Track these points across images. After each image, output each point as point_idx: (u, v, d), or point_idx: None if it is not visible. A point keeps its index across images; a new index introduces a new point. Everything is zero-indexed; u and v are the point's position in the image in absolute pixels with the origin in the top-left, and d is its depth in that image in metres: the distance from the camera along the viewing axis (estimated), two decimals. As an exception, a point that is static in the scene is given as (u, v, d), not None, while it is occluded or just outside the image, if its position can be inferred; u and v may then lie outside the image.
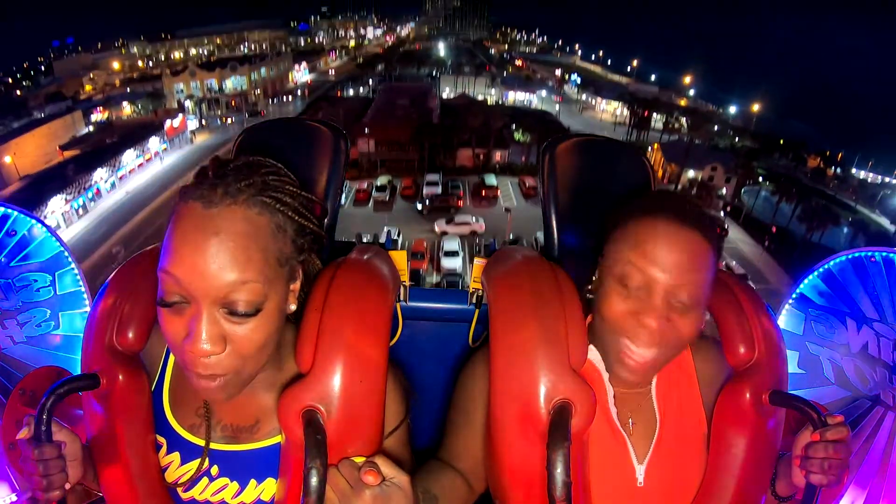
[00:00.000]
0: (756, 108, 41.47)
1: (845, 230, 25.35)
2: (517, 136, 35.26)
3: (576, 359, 0.76)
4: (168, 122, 36.77)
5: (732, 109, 44.64)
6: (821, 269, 1.27)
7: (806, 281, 1.30)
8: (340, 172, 1.05)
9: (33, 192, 24.66)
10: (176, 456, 0.83)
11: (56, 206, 24.49)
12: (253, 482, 0.82)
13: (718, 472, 0.85)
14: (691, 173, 31.27)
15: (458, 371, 0.99)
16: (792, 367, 1.28)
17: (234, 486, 0.82)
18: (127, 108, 44.63)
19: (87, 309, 1.27)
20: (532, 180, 30.17)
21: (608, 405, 0.87)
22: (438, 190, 28.30)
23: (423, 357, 1.22)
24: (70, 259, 1.29)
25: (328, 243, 0.87)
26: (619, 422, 0.87)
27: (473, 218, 24.49)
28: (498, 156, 33.18)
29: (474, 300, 1.19)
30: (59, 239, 1.31)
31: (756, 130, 39.78)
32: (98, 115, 42.34)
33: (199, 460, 0.81)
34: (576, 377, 0.75)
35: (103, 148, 31.76)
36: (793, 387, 1.15)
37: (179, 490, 0.83)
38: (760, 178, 31.51)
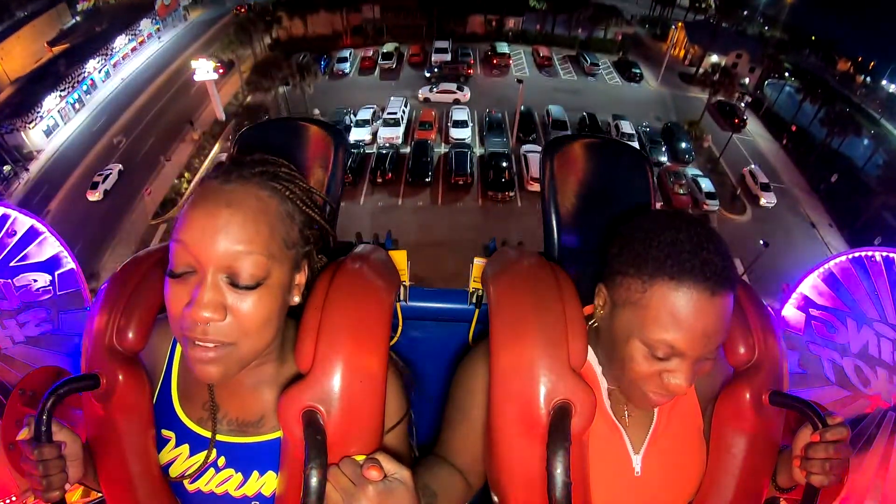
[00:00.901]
0: (788, -1, 38.35)
1: (865, 142, 24.35)
2: (532, 2, 32.51)
3: (576, 359, 0.77)
4: (158, 1, 34.64)
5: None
6: (821, 269, 1.27)
7: (806, 281, 1.29)
8: (340, 172, 1.05)
9: (26, 95, 23.69)
10: (185, 448, 0.83)
11: (51, 105, 23.54)
12: (255, 474, 0.83)
13: (718, 472, 0.85)
14: (714, 58, 29.53)
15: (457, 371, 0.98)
16: (792, 367, 1.29)
17: (238, 477, 0.83)
18: (113, -10, 41.78)
19: (88, 309, 1.24)
20: (546, 50, 28.69)
21: (603, 398, 0.87)
22: (448, 57, 27.18)
23: (423, 357, 1.20)
24: (70, 259, 1.27)
25: (334, 243, 0.88)
26: (614, 414, 0.87)
27: (456, 86, 23.81)
28: (511, 23, 31.45)
29: (474, 300, 1.19)
30: (59, 239, 1.29)
31: (787, 22, 37.19)
32: (84, 4, 39.87)
33: (206, 451, 0.82)
34: (576, 377, 0.75)
35: (93, 37, 30.20)
36: (793, 387, 1.19)
37: (186, 482, 0.83)
38: (786, 73, 29.86)
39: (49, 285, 1.24)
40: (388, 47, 28.33)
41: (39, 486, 0.71)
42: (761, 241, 15.38)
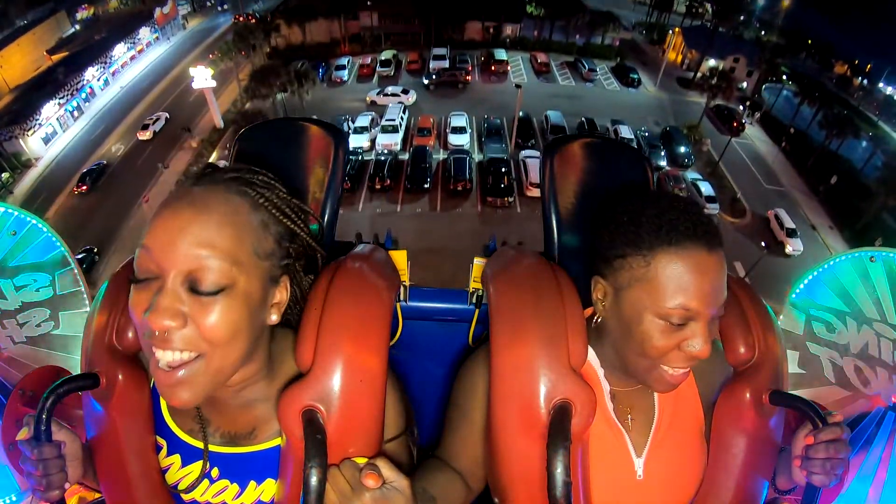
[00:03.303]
0: (787, 1, 38.61)
1: (864, 144, 24.45)
2: (529, 8, 32.85)
3: (576, 359, 0.77)
4: (158, 10, 34.80)
5: (761, 0, 41.67)
6: (821, 269, 1.25)
7: (806, 280, 1.28)
8: (340, 172, 1.04)
9: (25, 102, 23.77)
10: (176, 458, 0.82)
11: (50, 112, 23.61)
12: (252, 483, 0.82)
13: (719, 472, 0.85)
14: (712, 62, 29.63)
15: (457, 371, 0.98)
16: (792, 367, 1.26)
17: (235, 487, 0.82)
18: (113, 1, 42.07)
19: (87, 309, 1.25)
20: (544, 56, 28.78)
21: (605, 401, 0.87)
22: (446, 64, 27.32)
23: (423, 357, 1.20)
24: (70, 259, 1.26)
25: (322, 260, 0.86)
26: (616, 417, 0.87)
27: (402, 89, 24.17)
28: (509, 29, 31.64)
29: (474, 300, 1.19)
30: (59, 239, 1.27)
31: (784, 26, 37.36)
32: (84, 13, 40.03)
33: (199, 463, 0.81)
34: (576, 377, 0.75)
35: (92, 45, 30.31)
36: (793, 387, 1.18)
37: (180, 491, 0.82)
38: (784, 77, 30.00)
39: (49, 285, 1.23)
40: (386, 54, 28.49)
41: (39, 486, 0.71)
42: (762, 243, 15.30)
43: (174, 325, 0.62)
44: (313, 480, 0.66)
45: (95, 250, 16.42)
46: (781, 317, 1.30)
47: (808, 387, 1.27)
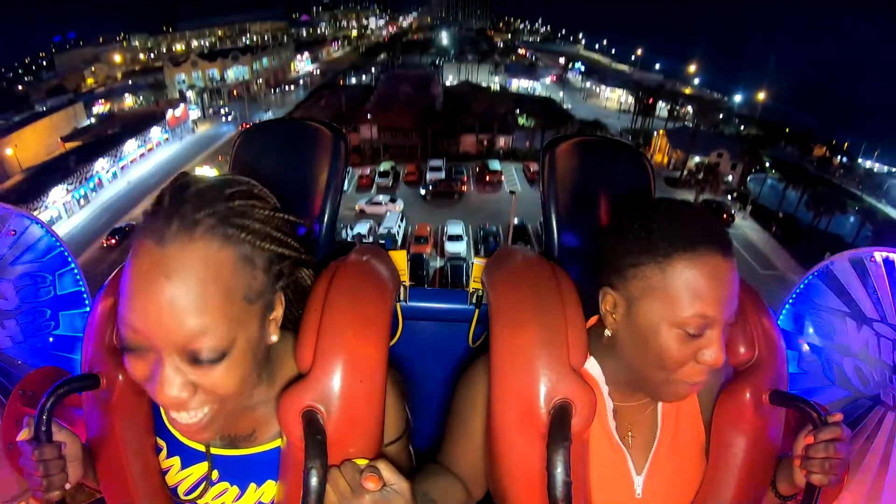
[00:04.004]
0: (761, 96, 40.94)
1: (851, 219, 25.18)
2: (521, 120, 35.19)
3: (576, 358, 0.76)
4: (170, 112, 36.62)
5: (738, 98, 44.04)
6: (821, 269, 1.26)
7: (806, 281, 1.29)
8: (340, 172, 1.05)
9: (34, 184, 24.64)
10: (176, 460, 0.82)
11: (57, 197, 24.43)
12: (252, 486, 0.81)
13: (718, 472, 0.84)
14: (697, 159, 31.03)
15: (457, 371, 0.98)
16: (792, 367, 1.27)
17: (234, 490, 0.81)
18: (129, 100, 44.43)
19: (87, 309, 1.26)
20: (536, 165, 29.82)
21: (607, 419, 0.86)
22: (442, 175, 28.14)
23: (423, 357, 1.21)
24: (70, 259, 1.27)
25: (317, 260, 0.85)
26: (618, 435, 0.86)
27: (389, 199, 24.93)
28: (502, 141, 32.74)
29: (474, 300, 1.19)
30: (58, 239, 1.29)
31: (761, 119, 39.39)
32: (100, 108, 42.19)
33: (199, 465, 0.81)
34: (576, 377, 0.75)
35: (105, 138, 31.64)
36: (793, 387, 1.15)
37: (181, 493, 0.82)
38: (767, 165, 31.33)
39: (49, 285, 1.22)
40: (385, 166, 29.52)
41: (39, 487, 0.70)
42: None
43: (184, 397, 0.62)
44: (313, 481, 0.66)
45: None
46: (781, 317, 1.30)
47: (808, 387, 1.26)
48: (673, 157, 32.31)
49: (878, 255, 1.18)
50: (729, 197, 27.30)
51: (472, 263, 1.12)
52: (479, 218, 23.82)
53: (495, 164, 29.79)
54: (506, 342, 0.79)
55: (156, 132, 34.61)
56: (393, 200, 24.77)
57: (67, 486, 0.75)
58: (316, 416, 0.70)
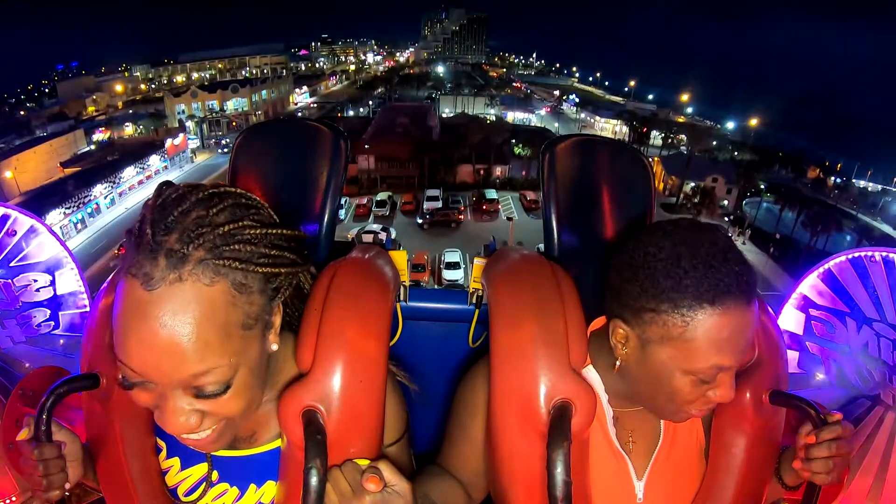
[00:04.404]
0: (754, 122, 41.78)
1: (848, 238, 25.40)
2: (517, 150, 35.55)
3: (576, 358, 0.77)
4: (169, 141, 37.07)
5: (730, 125, 44.97)
6: (821, 269, 1.26)
7: (806, 281, 1.29)
8: (340, 172, 1.05)
9: (33, 207, 24.76)
10: (176, 461, 0.82)
11: (54, 220, 24.39)
12: (252, 487, 0.81)
13: (719, 472, 0.84)
14: (692, 185, 31.32)
15: (457, 371, 0.98)
16: (792, 367, 1.28)
17: (234, 491, 0.81)
18: (129, 129, 44.86)
19: (87, 309, 1.26)
20: (533, 194, 30.24)
21: (607, 427, 0.86)
22: (439, 204, 28.39)
23: (423, 357, 1.20)
24: (70, 259, 1.27)
25: (317, 260, 0.87)
26: (618, 442, 0.86)
27: (381, 227, 25.09)
28: (498, 171, 33.27)
29: (474, 300, 1.19)
30: (59, 239, 1.30)
31: (754, 144, 40.10)
32: (100, 135, 42.65)
33: (199, 466, 0.81)
34: (576, 377, 0.75)
35: (104, 165, 31.79)
36: (793, 387, 1.17)
37: (180, 494, 0.82)
38: (762, 188, 31.69)
39: (49, 285, 1.21)
40: (382, 195, 29.92)
41: (39, 486, 0.71)
42: None
43: (192, 425, 0.63)
44: (313, 481, 0.66)
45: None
46: (781, 317, 1.29)
47: (808, 387, 1.26)
48: (668, 183, 32.62)
49: (878, 255, 1.18)
50: (726, 219, 27.38)
51: (475, 264, 1.13)
52: (476, 246, 23.63)
53: (492, 193, 30.08)
54: (506, 342, 0.79)
55: (155, 160, 35.03)
56: (385, 230, 24.87)
57: (67, 486, 0.75)
58: (316, 416, 0.71)
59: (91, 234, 25.99)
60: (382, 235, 23.89)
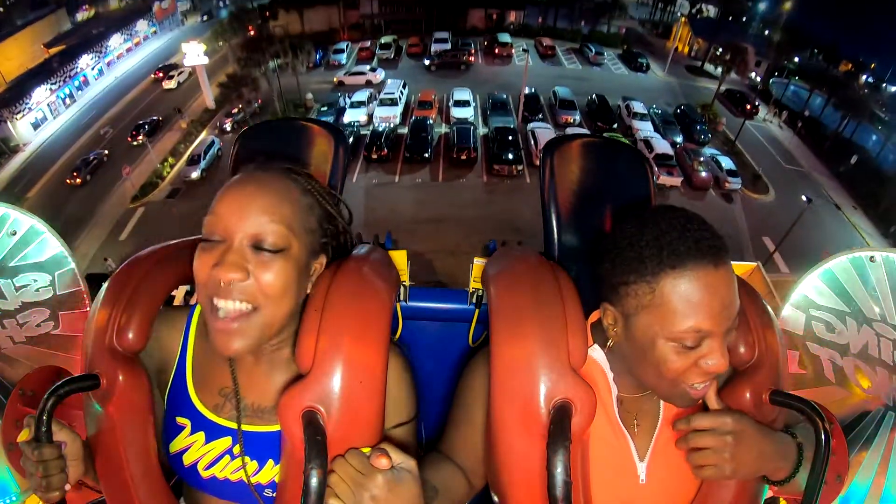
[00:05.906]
0: (787, 5, 38.24)
1: (874, 137, 23.89)
2: None
3: (576, 358, 0.77)
4: (157, 4, 34.45)
5: (762, 6, 41.42)
6: (821, 269, 1.24)
7: (806, 281, 1.26)
8: (340, 172, 1.05)
9: (17, 90, 23.28)
10: (200, 436, 0.84)
11: (41, 97, 23.10)
12: (271, 462, 0.84)
13: None
14: (721, 51, 28.93)
15: (457, 371, 0.99)
16: (792, 367, 1.24)
17: (254, 465, 0.84)
18: (114, 2, 41.86)
19: (87, 309, 1.24)
20: (549, 41, 28.17)
21: (612, 405, 0.86)
22: (448, 47, 26.89)
23: (423, 357, 1.19)
24: (70, 259, 1.25)
25: (353, 242, 0.91)
26: (622, 422, 0.86)
27: (369, 68, 24.03)
28: (512, 16, 31.50)
29: (474, 300, 1.19)
30: (59, 239, 1.26)
31: (786, 26, 37.02)
32: (84, 14, 39.69)
33: (221, 440, 0.83)
34: (576, 377, 0.75)
35: (90, 38, 29.87)
36: (793, 387, 1.17)
37: (200, 468, 0.84)
38: (791, 72, 29.35)
39: (49, 285, 1.21)
40: (387, 38, 28.09)
41: (40, 487, 0.72)
42: (804, 197, 14.35)
43: (238, 277, 0.71)
44: (314, 481, 0.67)
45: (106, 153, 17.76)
46: (781, 317, 1.26)
47: (808, 387, 1.24)
48: (695, 46, 30.30)
49: (879, 255, 1.15)
50: (753, 94, 25.54)
51: (474, 264, 1.14)
52: (488, 88, 22.41)
53: (505, 37, 28.28)
54: (506, 342, 0.79)
55: (142, 26, 32.51)
56: (373, 70, 23.98)
57: (68, 486, 0.76)
58: (316, 416, 0.71)
59: (81, 107, 24.74)
60: (372, 76, 22.30)
